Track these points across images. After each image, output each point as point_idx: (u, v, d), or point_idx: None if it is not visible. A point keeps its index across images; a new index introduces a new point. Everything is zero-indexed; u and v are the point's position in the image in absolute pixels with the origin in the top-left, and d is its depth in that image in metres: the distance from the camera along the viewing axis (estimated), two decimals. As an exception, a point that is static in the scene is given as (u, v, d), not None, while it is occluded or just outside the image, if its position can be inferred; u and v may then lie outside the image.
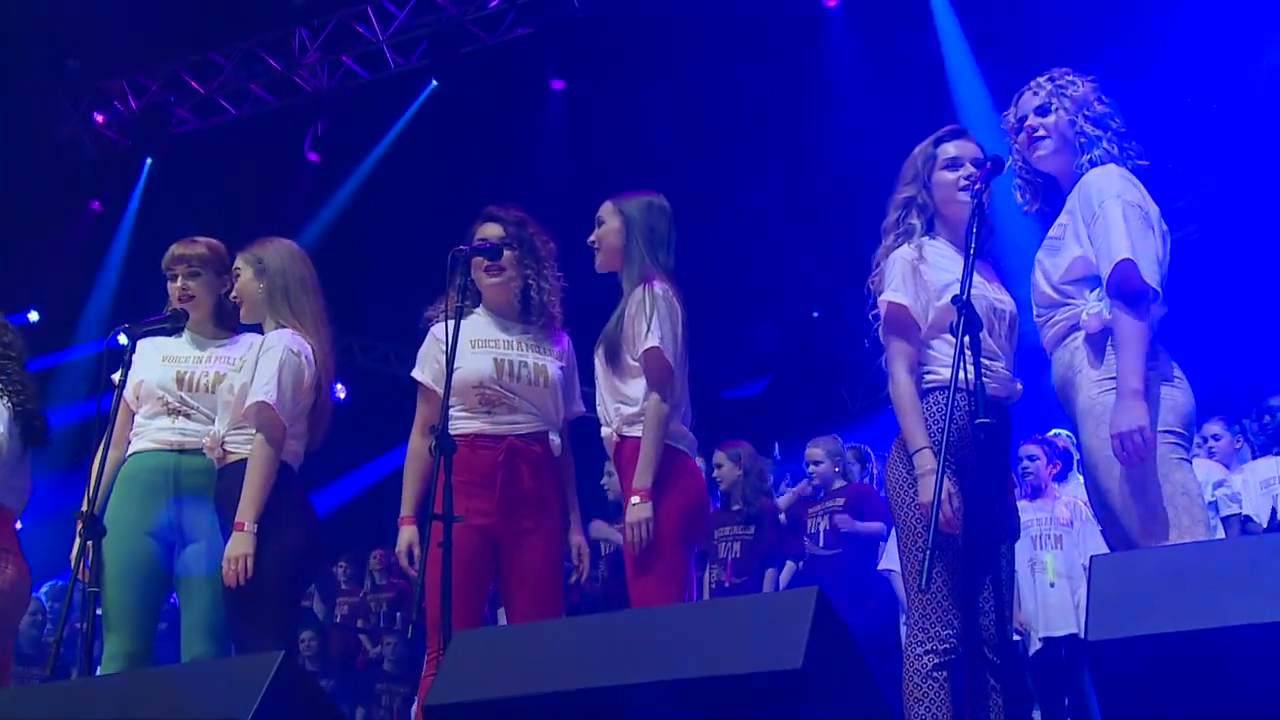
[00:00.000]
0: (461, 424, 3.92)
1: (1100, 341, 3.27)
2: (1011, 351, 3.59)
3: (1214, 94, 8.54)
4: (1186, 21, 8.34)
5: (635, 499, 3.83)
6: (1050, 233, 3.47)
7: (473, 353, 3.98)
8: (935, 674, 3.28)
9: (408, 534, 3.96)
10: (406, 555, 3.94)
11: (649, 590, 3.82)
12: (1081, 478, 3.99)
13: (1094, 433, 3.24)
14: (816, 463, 7.09)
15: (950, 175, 3.59)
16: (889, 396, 3.51)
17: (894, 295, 3.49)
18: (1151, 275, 3.19)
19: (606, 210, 4.15)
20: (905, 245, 3.56)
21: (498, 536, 3.93)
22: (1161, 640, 2.17)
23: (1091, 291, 3.31)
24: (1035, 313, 3.50)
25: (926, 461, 3.32)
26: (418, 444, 4.06)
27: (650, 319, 3.88)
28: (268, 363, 3.95)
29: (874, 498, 7.06)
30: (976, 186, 3.32)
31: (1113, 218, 3.24)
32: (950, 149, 3.62)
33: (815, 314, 10.90)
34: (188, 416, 4.19)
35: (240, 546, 3.81)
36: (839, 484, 7.05)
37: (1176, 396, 3.23)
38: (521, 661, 2.53)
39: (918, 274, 3.49)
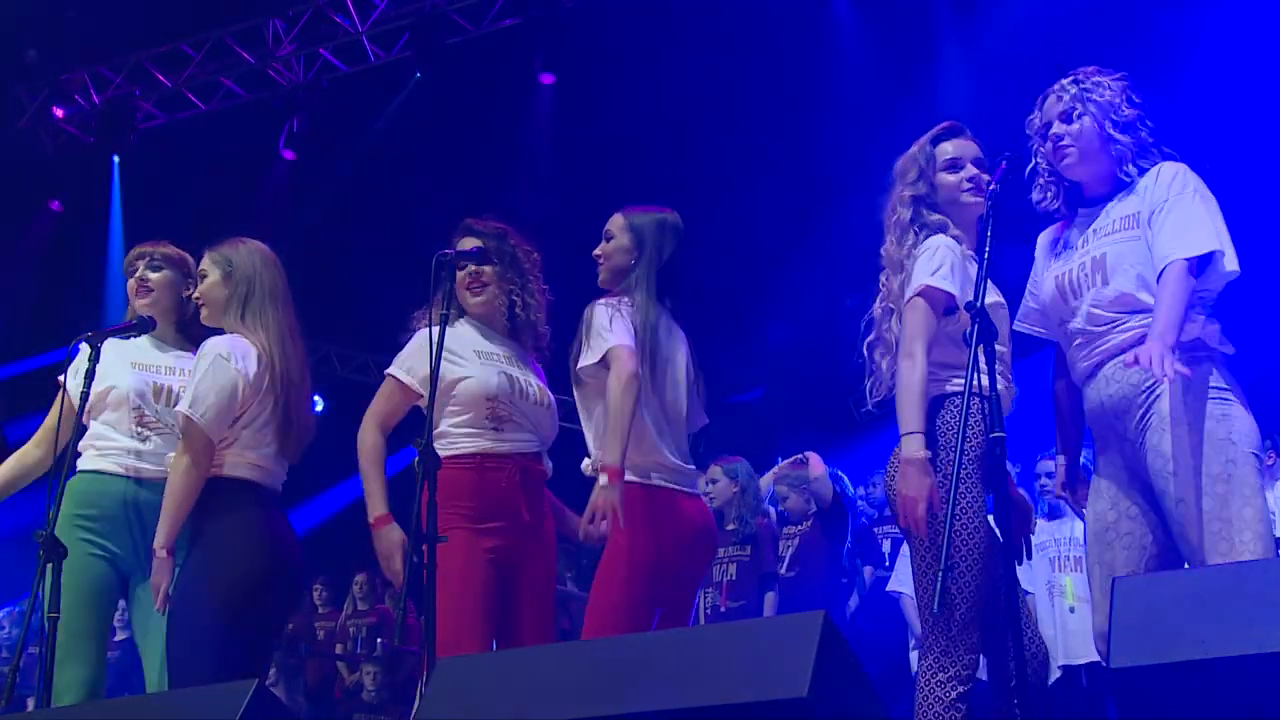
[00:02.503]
0: (462, 442, 3.85)
1: (1190, 349, 3.27)
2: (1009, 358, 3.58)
3: (1246, 94, 8.55)
4: (1203, 20, 8.37)
5: (602, 478, 3.67)
6: (1109, 225, 3.46)
7: (481, 363, 3.93)
8: (959, 704, 3.26)
9: (395, 534, 3.78)
10: (402, 556, 3.72)
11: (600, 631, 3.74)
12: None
13: (1184, 438, 3.24)
14: (784, 498, 7.18)
15: (951, 178, 3.61)
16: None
17: (942, 282, 3.44)
18: (1204, 242, 3.25)
19: (616, 225, 4.11)
20: (944, 235, 3.53)
21: (504, 562, 3.85)
22: (1189, 668, 2.17)
23: None
24: (1098, 316, 3.45)
25: (915, 449, 3.30)
26: (371, 439, 3.89)
27: (606, 324, 3.86)
28: (195, 375, 3.93)
29: (845, 520, 7.15)
30: (992, 188, 3.32)
31: (1193, 210, 3.31)
32: (949, 149, 3.64)
33: (849, 301, 10.88)
34: (156, 432, 4.18)
35: (158, 574, 3.80)
36: (811, 509, 7.14)
37: (1250, 420, 3.29)
38: (510, 689, 2.53)
39: (964, 268, 3.48)
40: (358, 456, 3.90)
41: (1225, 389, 3.30)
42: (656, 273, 4.02)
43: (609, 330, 3.85)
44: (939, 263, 3.45)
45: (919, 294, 3.45)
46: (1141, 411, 3.34)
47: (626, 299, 3.98)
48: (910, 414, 3.34)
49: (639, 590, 3.78)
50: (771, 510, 7.47)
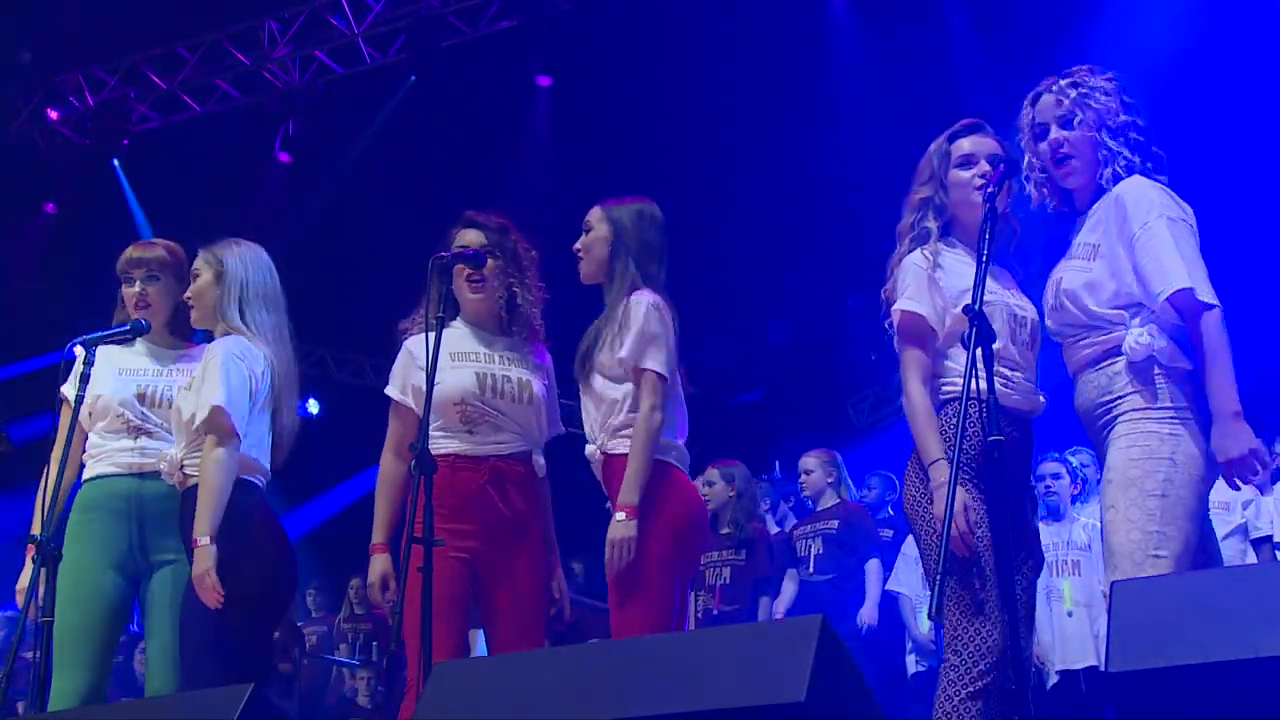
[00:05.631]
0: (440, 444, 3.87)
1: (1145, 368, 3.28)
2: (1035, 361, 3.59)
3: (1245, 86, 8.56)
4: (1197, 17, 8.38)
5: (620, 515, 3.77)
6: (1076, 249, 3.47)
7: (453, 366, 3.95)
8: (969, 703, 3.26)
9: (380, 563, 3.92)
10: (380, 587, 3.89)
11: (631, 622, 3.77)
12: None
13: (1124, 451, 3.26)
14: (808, 471, 7.08)
15: (964, 174, 3.58)
16: (900, 410, 3.52)
17: (909, 304, 3.50)
18: (1209, 292, 3.24)
19: (595, 216, 4.12)
20: (919, 251, 3.55)
21: (479, 564, 3.90)
22: (1188, 672, 2.17)
23: (1134, 316, 3.32)
24: (1060, 331, 3.50)
25: (941, 473, 3.31)
26: (390, 465, 4.01)
27: (642, 330, 3.88)
28: (213, 371, 3.93)
29: (868, 519, 7.07)
30: (990, 190, 3.32)
31: (1161, 240, 3.26)
32: (965, 145, 3.61)
33: (849, 301, 10.85)
34: (150, 435, 4.19)
35: (202, 562, 3.78)
36: (832, 501, 7.03)
37: (1199, 444, 3.24)
38: (506, 694, 2.53)
39: (933, 281, 3.49)
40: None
41: (1182, 408, 3.27)
42: (640, 261, 4.01)
43: (660, 348, 3.88)
44: (904, 285, 3.52)
45: (897, 322, 3.54)
46: (1105, 425, 3.36)
47: (660, 299, 3.98)
48: (928, 444, 3.39)
49: (666, 566, 3.82)
50: (770, 517, 7.43)
